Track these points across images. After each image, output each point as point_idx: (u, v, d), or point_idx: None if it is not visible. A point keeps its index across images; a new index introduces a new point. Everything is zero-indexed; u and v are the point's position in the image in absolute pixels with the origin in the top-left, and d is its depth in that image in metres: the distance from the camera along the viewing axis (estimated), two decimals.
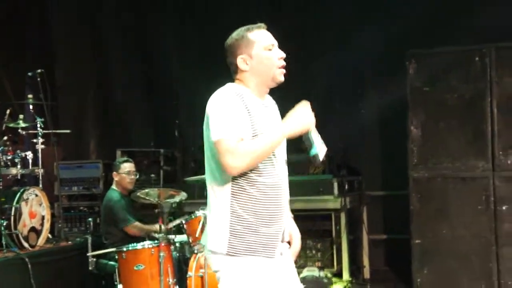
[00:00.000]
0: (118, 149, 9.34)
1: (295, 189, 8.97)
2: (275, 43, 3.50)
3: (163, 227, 7.00)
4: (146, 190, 7.35)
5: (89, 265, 7.52)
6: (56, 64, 10.34)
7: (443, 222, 7.83)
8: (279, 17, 9.80)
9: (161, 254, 6.53)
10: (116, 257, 6.90)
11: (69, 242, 8.35)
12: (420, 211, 7.92)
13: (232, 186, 3.33)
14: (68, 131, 9.08)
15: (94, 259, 7.46)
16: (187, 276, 6.66)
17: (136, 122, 10.71)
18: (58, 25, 10.47)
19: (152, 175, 9.62)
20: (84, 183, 9.72)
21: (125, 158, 8.12)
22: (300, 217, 8.80)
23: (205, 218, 6.58)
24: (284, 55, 3.47)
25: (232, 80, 3.55)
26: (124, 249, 6.77)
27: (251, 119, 3.34)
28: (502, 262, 7.54)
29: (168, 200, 7.29)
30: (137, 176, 7.97)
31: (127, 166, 7.82)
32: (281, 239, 3.48)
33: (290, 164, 10.77)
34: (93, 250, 7.74)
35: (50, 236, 7.98)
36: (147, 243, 6.81)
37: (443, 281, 7.76)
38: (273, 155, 3.42)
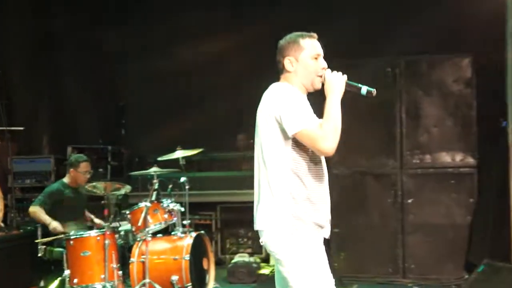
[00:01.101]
0: (68, 146, 9.34)
1: (230, 183, 9.37)
2: (321, 53, 3.59)
3: (96, 220, 7.25)
4: (94, 183, 7.36)
5: (39, 252, 7.40)
6: (11, 66, 10.05)
7: (358, 213, 8.11)
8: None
9: (106, 241, 6.49)
10: (64, 244, 6.76)
11: (20, 230, 8.19)
12: (339, 204, 7.71)
13: (291, 174, 3.41)
14: (21, 128, 9.01)
15: (44, 246, 7.33)
16: (130, 261, 6.77)
17: (85, 121, 10.58)
18: (13, 25, 10.27)
19: (100, 170, 9.66)
20: (37, 176, 9.68)
21: (84, 158, 7.93)
22: (234, 208, 9.23)
23: (147, 209, 6.75)
24: (326, 65, 3.57)
25: (276, 80, 3.63)
26: (72, 236, 6.64)
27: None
28: (407, 248, 7.90)
29: (114, 192, 7.37)
30: (91, 174, 7.87)
31: (85, 166, 7.71)
32: (329, 220, 3.58)
33: (225, 161, 11.10)
34: (43, 238, 7.73)
35: (2, 225, 7.78)
36: (93, 232, 6.70)
37: (357, 265, 8.03)
38: None
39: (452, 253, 7.81)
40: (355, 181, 8.20)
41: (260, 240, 3.54)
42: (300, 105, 3.41)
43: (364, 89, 3.57)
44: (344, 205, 8.09)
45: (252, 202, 9.20)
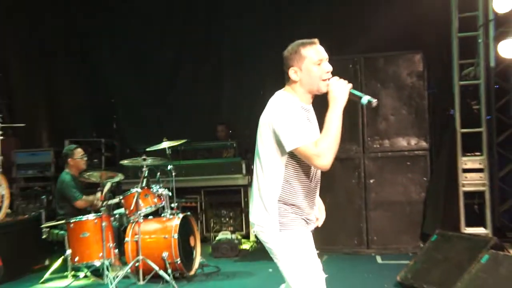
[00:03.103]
0: (66, 139, 9.28)
1: (212, 169, 9.40)
2: (324, 57, 3.38)
3: (100, 202, 6.97)
4: (90, 172, 7.37)
5: (42, 235, 7.52)
6: (12, 71, 10.18)
7: (326, 193, 7.91)
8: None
9: (103, 223, 6.53)
10: (65, 227, 6.85)
11: (26, 216, 8.26)
12: None
13: (282, 181, 3.34)
14: (22, 124, 8.84)
15: (47, 229, 7.45)
16: (125, 241, 6.79)
17: (80, 117, 10.60)
18: (13, 38, 10.28)
19: (95, 160, 9.67)
20: (38, 167, 9.63)
21: (74, 145, 7.96)
22: (216, 192, 9.28)
23: (138, 194, 6.75)
24: (330, 68, 3.36)
25: (281, 86, 3.48)
26: (72, 220, 6.69)
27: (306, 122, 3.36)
28: (370, 222, 8.01)
29: (108, 180, 7.31)
30: (86, 158, 7.88)
31: (79, 151, 7.73)
32: (315, 216, 3.53)
33: (208, 150, 11.05)
34: (46, 222, 7.84)
35: (9, 211, 7.83)
36: (91, 215, 6.72)
37: (327, 239, 7.84)
38: None
39: (409, 225, 7.90)
40: None
41: (252, 230, 3.51)
42: (298, 121, 3.27)
43: (365, 99, 3.31)
44: None
45: (233, 186, 9.16)
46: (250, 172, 8.95)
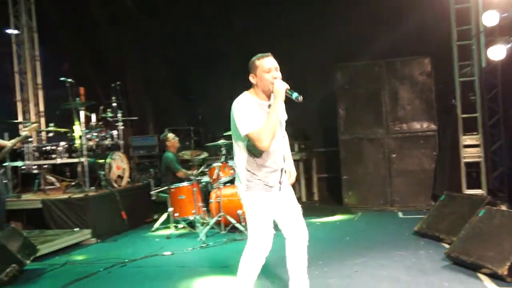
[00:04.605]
0: (166, 128, 9.35)
1: None
2: (273, 66, 3.35)
3: (195, 172, 7.21)
4: (184, 151, 7.63)
5: (152, 197, 7.80)
6: (127, 78, 10.29)
7: (359, 165, 8.08)
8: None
9: (194, 189, 6.71)
10: (168, 191, 6.95)
11: (140, 183, 8.54)
12: (346, 159, 8.17)
13: (246, 155, 3.36)
14: (136, 117, 9.14)
15: (155, 193, 7.66)
16: (210, 202, 6.86)
17: (175, 110, 10.61)
18: (129, 50, 10.54)
19: (187, 143, 9.79)
20: (147, 148, 9.91)
21: (167, 132, 8.00)
22: None
23: (219, 167, 6.82)
24: (277, 75, 3.34)
25: (247, 88, 3.45)
26: (172, 186, 6.83)
27: (259, 114, 3.32)
28: (393, 187, 7.92)
29: (196, 157, 7.54)
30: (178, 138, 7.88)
31: (172, 135, 7.77)
32: (278, 181, 3.43)
33: None
34: (154, 188, 8.11)
35: (129, 179, 8.07)
36: (186, 183, 6.83)
37: (360, 199, 8.05)
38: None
39: (423, 188, 7.79)
40: (355, 143, 8.12)
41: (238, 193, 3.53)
42: (249, 114, 3.28)
43: (294, 96, 3.26)
44: (350, 160, 8.15)
45: None
46: (301, 150, 8.89)
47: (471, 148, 7.39)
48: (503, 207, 5.97)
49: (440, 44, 7.73)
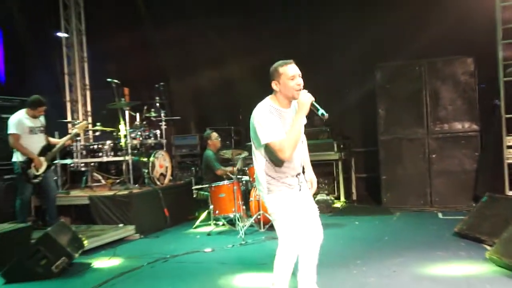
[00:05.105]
0: (207, 128, 9.23)
1: (313, 148, 9.38)
2: (297, 73, 3.34)
3: (234, 169, 7.14)
4: (225, 151, 7.69)
5: (193, 195, 7.93)
6: (170, 81, 10.43)
7: (398, 165, 7.98)
8: None
9: (234, 187, 6.72)
10: (208, 189, 7.00)
11: (182, 181, 8.62)
12: (385, 159, 8.09)
13: (266, 161, 3.38)
14: (179, 117, 9.21)
15: (196, 191, 7.80)
16: (250, 200, 6.96)
17: (217, 111, 10.59)
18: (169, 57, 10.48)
19: (227, 142, 9.62)
20: (189, 147, 10.03)
21: (210, 131, 8.05)
22: (316, 164, 9.08)
23: None
24: (301, 82, 3.34)
25: (270, 93, 3.45)
26: (213, 184, 6.88)
27: (281, 123, 3.33)
28: (433, 187, 7.79)
29: (237, 156, 7.56)
30: (220, 138, 7.95)
31: (215, 134, 7.87)
32: (297, 183, 3.46)
33: (309, 134, 10.96)
34: (195, 186, 8.19)
35: (171, 178, 8.15)
36: (226, 182, 6.86)
37: (399, 200, 7.94)
38: None
39: (463, 189, 7.64)
40: (395, 144, 8.03)
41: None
42: (271, 122, 3.29)
43: (320, 112, 3.27)
44: (389, 160, 8.07)
45: (327, 160, 8.68)
46: (340, 150, 8.78)
47: None
48: None
49: (484, 43, 7.53)
